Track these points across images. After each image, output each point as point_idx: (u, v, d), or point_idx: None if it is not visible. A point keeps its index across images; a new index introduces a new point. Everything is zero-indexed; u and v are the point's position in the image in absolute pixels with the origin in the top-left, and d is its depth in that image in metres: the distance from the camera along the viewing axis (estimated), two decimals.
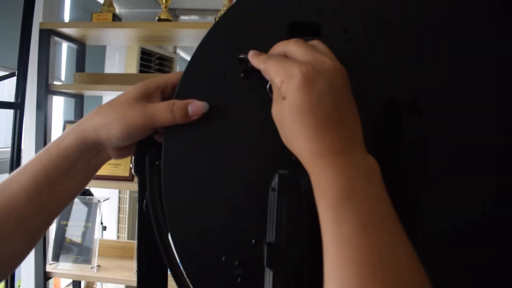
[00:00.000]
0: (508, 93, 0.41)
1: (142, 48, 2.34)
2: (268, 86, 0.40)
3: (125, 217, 2.53)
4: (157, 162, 0.44)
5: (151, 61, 2.48)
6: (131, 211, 2.52)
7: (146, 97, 0.43)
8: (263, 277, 0.41)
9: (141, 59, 2.37)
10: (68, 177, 0.43)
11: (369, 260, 0.29)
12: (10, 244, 0.42)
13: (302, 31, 0.42)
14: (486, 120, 0.41)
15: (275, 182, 0.39)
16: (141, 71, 2.37)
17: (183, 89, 0.43)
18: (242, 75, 0.41)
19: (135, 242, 1.56)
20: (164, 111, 0.41)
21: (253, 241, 0.42)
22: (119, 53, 2.37)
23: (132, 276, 1.54)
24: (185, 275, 0.43)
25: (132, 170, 0.46)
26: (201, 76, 0.42)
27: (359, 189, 0.32)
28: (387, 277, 0.29)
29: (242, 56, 0.41)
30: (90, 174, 0.45)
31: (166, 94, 0.45)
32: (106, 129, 0.42)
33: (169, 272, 0.44)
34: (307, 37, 0.40)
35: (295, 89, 0.34)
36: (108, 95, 2.30)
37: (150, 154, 0.44)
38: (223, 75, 0.42)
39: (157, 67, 2.54)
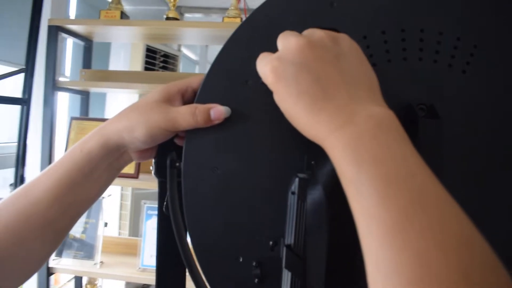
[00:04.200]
0: None
1: (147, 45, 2.34)
2: None
3: (127, 214, 2.53)
4: (177, 164, 0.44)
5: (156, 58, 2.49)
6: (133, 208, 2.53)
7: (168, 100, 0.44)
8: (280, 279, 0.42)
9: (146, 56, 2.37)
10: (91, 179, 0.44)
11: (397, 232, 0.26)
12: (33, 246, 0.43)
13: None
14: (500, 128, 0.42)
15: (295, 185, 0.40)
16: (146, 69, 2.37)
17: (204, 94, 0.43)
18: (261, 81, 0.42)
19: (138, 239, 1.56)
20: (186, 115, 0.41)
21: (271, 242, 0.43)
22: (124, 50, 2.37)
23: (135, 273, 1.55)
24: (202, 276, 0.44)
25: (153, 172, 0.47)
26: (222, 81, 0.43)
27: (368, 156, 0.29)
28: (419, 247, 0.25)
29: None
30: (113, 176, 0.46)
31: (187, 97, 0.45)
32: (129, 132, 0.42)
33: (187, 273, 0.45)
34: None
35: (273, 88, 0.36)
36: (114, 92, 2.31)
37: (170, 156, 0.45)
38: (245, 80, 0.43)
39: (161, 64, 2.54)
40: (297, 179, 0.40)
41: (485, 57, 0.42)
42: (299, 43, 0.35)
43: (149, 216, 1.59)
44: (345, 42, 0.36)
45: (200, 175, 0.43)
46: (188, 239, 0.44)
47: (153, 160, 0.47)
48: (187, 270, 0.44)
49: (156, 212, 1.60)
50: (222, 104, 0.42)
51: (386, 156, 0.29)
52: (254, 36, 0.43)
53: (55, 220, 0.43)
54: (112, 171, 0.45)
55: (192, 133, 0.43)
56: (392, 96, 0.42)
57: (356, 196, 0.29)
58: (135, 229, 2.45)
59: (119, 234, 2.47)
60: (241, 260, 0.43)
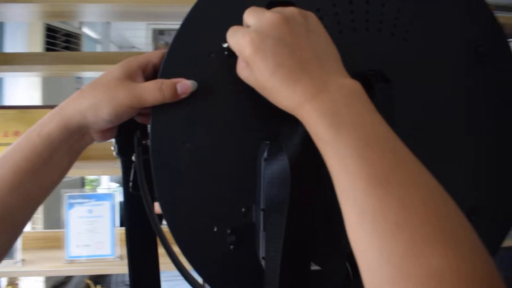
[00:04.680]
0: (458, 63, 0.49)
1: (47, 24, 2.16)
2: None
3: (39, 207, 2.36)
4: (144, 142, 0.44)
5: (57, 38, 2.30)
6: (46, 200, 2.36)
7: (130, 77, 0.42)
8: (254, 242, 0.44)
9: (47, 36, 2.19)
10: (51, 164, 0.42)
11: (377, 184, 0.29)
12: None
13: None
14: (437, 89, 0.48)
15: (267, 152, 0.42)
16: (47, 50, 2.19)
17: (168, 68, 0.43)
18: (226, 53, 0.43)
19: (60, 231, 1.47)
20: (153, 91, 0.41)
21: (243, 209, 0.44)
22: (21, 31, 2.16)
23: (61, 266, 1.47)
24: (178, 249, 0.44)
25: (115, 153, 0.45)
26: (185, 55, 0.43)
27: (345, 121, 0.32)
28: (399, 193, 0.29)
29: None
30: (73, 159, 0.44)
31: (147, 73, 0.44)
32: (93, 111, 0.41)
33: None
34: None
35: (250, 59, 0.36)
36: (13, 77, 2.11)
37: (137, 134, 0.44)
38: (208, 53, 0.43)
39: (64, 44, 2.36)
40: (268, 146, 0.42)
41: (422, 26, 0.47)
42: (274, 17, 0.36)
43: (71, 206, 1.51)
44: (313, 19, 0.38)
45: (169, 150, 0.43)
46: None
47: (113, 140, 0.46)
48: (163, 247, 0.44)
49: (78, 201, 1.52)
50: (186, 77, 0.43)
51: (361, 121, 0.32)
52: (214, 9, 0.43)
53: (14, 210, 0.41)
54: (73, 154, 0.43)
55: (159, 109, 0.43)
56: (345, 64, 0.46)
57: (335, 156, 0.32)
58: (50, 222, 2.30)
59: (33, 229, 2.30)
60: (215, 229, 0.44)
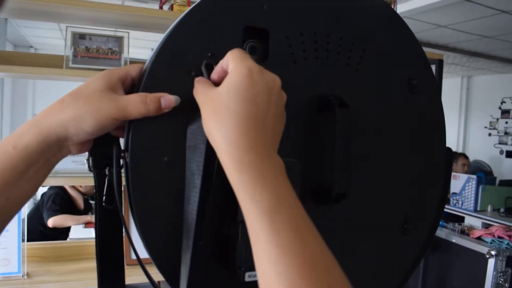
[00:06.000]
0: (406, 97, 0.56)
1: None
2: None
3: None
4: (122, 155, 0.44)
5: None
6: None
7: (111, 88, 0.42)
8: (229, 254, 0.47)
9: None
10: (25, 178, 0.39)
11: (311, 266, 0.34)
12: None
13: (255, 34, 0.48)
14: (383, 113, 0.56)
15: None
16: None
17: (150, 83, 0.44)
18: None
19: None
20: (138, 104, 0.41)
21: (217, 222, 0.47)
22: None
23: None
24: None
25: (90, 165, 0.45)
26: (167, 71, 0.44)
27: (285, 195, 0.36)
28: (328, 279, 0.34)
29: (206, 61, 0.45)
30: (47, 173, 0.42)
31: (125, 86, 0.44)
32: (76, 123, 0.40)
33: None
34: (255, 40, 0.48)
35: (240, 78, 0.38)
36: None
37: (116, 147, 0.44)
38: (188, 70, 0.45)
39: None
40: None
41: (370, 58, 0.54)
42: (254, 66, 0.39)
43: None
44: (282, 102, 0.42)
45: (147, 163, 0.44)
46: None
47: (87, 153, 0.45)
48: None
49: None
50: (167, 92, 0.44)
51: (296, 201, 0.36)
52: (195, 30, 0.45)
53: None
54: (48, 168, 0.41)
55: (139, 122, 0.43)
56: (308, 87, 0.51)
57: (272, 226, 0.35)
58: None
59: None
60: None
